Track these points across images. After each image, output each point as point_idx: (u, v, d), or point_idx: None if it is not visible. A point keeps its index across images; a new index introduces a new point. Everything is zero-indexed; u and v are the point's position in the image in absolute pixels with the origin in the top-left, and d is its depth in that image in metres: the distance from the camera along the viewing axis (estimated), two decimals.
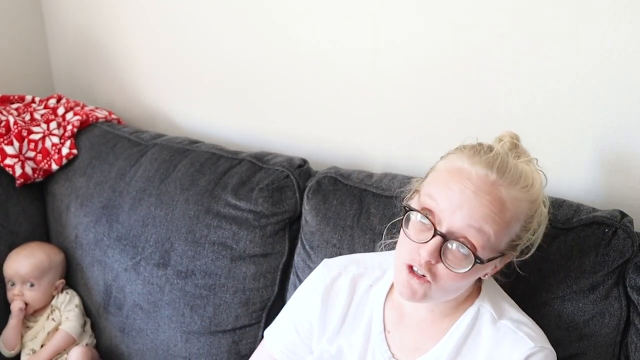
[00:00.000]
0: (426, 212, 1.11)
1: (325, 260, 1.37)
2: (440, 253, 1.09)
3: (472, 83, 1.55)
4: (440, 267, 1.11)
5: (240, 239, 1.65)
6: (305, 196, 1.63)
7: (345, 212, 1.54)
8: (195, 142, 1.92)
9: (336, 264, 1.35)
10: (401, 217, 1.15)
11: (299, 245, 1.64)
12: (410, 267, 1.13)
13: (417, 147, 1.68)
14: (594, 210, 1.35)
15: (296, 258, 1.65)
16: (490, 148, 1.14)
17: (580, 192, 1.47)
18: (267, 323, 1.62)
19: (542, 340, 1.18)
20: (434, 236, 1.09)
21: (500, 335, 1.18)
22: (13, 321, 1.88)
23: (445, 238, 1.09)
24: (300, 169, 1.69)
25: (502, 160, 1.12)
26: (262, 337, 1.62)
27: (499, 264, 1.18)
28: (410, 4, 1.59)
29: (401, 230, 1.15)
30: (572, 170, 1.47)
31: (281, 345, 1.38)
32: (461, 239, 1.09)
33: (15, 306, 1.88)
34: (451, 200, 1.09)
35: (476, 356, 1.18)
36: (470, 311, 1.21)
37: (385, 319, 1.27)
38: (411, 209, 1.14)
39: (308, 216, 1.61)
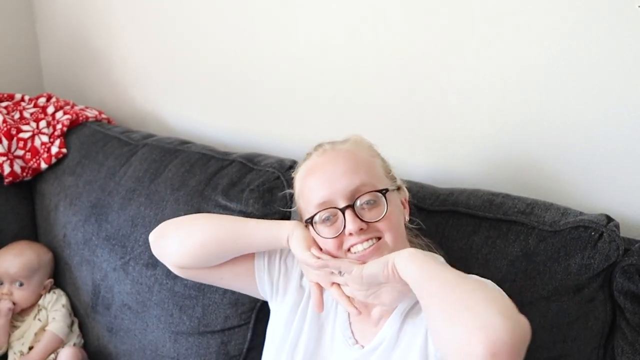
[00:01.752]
0: (321, 208, 1.21)
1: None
2: (360, 217, 1.18)
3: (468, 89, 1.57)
4: (373, 226, 1.19)
5: None
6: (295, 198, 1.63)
7: None
8: (186, 142, 1.92)
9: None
10: (313, 231, 1.23)
11: None
12: (354, 250, 1.20)
13: (412, 150, 1.69)
14: (581, 213, 1.37)
15: None
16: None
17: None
18: (257, 324, 1.64)
19: None
20: (343, 213, 1.19)
21: None
22: (1, 321, 1.88)
23: (350, 205, 1.19)
24: (291, 170, 1.69)
25: (324, 142, 1.30)
26: (251, 337, 1.64)
27: (403, 200, 1.29)
28: (398, 8, 1.60)
29: (322, 242, 1.23)
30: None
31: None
32: (358, 194, 1.20)
33: (4, 306, 1.88)
34: (324, 183, 1.22)
35: (417, 323, 1.21)
36: None
37: (347, 313, 1.31)
38: (310, 218, 1.23)
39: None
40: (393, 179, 1.30)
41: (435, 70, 1.59)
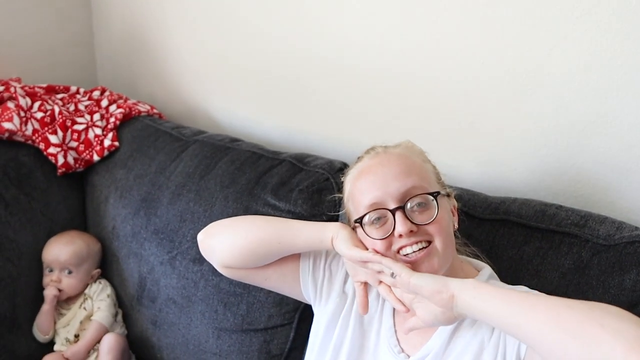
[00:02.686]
0: (372, 209, 1.21)
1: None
2: (409, 220, 1.17)
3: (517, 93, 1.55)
4: (423, 229, 1.18)
5: None
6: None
7: None
8: (236, 140, 1.93)
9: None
10: (365, 233, 1.22)
11: None
12: (404, 253, 1.18)
13: (464, 157, 1.67)
14: (636, 228, 1.33)
15: None
16: None
17: None
18: (300, 324, 1.63)
19: None
20: (393, 215, 1.18)
21: None
22: (46, 307, 1.92)
23: (401, 207, 1.18)
24: (341, 172, 1.68)
25: (379, 145, 1.31)
26: (294, 337, 1.64)
27: (452, 208, 1.29)
28: (458, 9, 1.59)
29: (371, 243, 1.21)
30: None
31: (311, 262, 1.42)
32: (409, 196, 1.19)
33: (50, 292, 1.92)
34: (376, 184, 1.21)
35: (467, 336, 1.19)
36: None
37: (395, 325, 1.30)
38: (360, 218, 1.22)
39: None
40: (443, 185, 1.29)
41: (489, 77, 1.57)
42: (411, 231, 1.17)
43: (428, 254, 1.18)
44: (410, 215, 1.18)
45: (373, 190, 1.22)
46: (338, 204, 1.65)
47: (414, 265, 1.17)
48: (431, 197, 1.20)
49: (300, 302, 1.65)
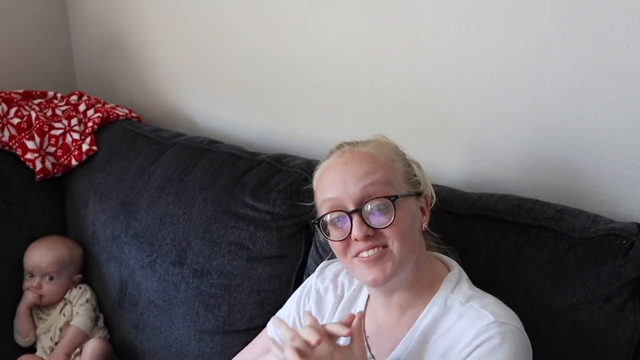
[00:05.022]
0: (331, 210, 1.21)
1: (322, 265, 1.46)
2: (367, 223, 1.17)
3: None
4: (380, 233, 1.17)
5: (257, 240, 1.66)
6: None
7: None
8: (215, 142, 1.93)
9: (329, 271, 1.43)
10: (321, 232, 1.24)
11: (313, 248, 1.65)
12: (360, 256, 1.19)
13: (444, 153, 1.68)
14: (611, 221, 1.35)
15: (309, 261, 1.65)
16: None
17: None
18: None
19: (507, 317, 1.16)
20: (350, 218, 1.18)
21: (464, 313, 1.18)
22: (22, 308, 1.92)
23: (357, 210, 1.17)
24: None
25: (346, 142, 1.30)
26: None
27: (423, 206, 1.27)
28: (430, 10, 1.60)
29: (330, 243, 1.24)
30: None
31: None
32: (367, 199, 1.18)
33: (29, 297, 1.91)
34: (335, 184, 1.21)
35: (443, 338, 1.19)
36: (437, 300, 1.22)
37: (365, 326, 1.29)
38: (319, 218, 1.24)
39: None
40: (416, 184, 1.27)
41: (469, 74, 1.58)
42: (367, 235, 1.17)
43: (380, 256, 1.18)
44: (368, 218, 1.18)
45: (333, 190, 1.21)
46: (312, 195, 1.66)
47: (367, 266, 1.18)
48: (389, 200, 1.18)
49: (281, 302, 1.65)
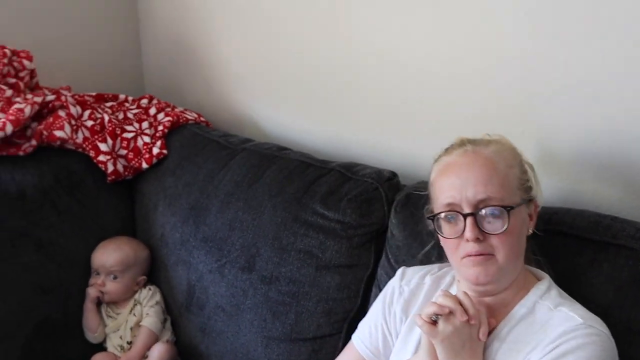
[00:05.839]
0: (448, 209, 1.25)
1: (402, 269, 1.48)
2: (479, 228, 1.22)
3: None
4: (490, 239, 1.22)
5: (326, 249, 1.66)
6: (393, 209, 1.63)
7: None
8: (284, 149, 1.94)
9: (413, 273, 1.45)
10: (434, 228, 1.30)
11: (384, 258, 1.64)
12: (470, 256, 1.23)
13: None
14: None
15: (380, 271, 1.65)
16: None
17: None
18: (348, 334, 1.62)
19: (595, 321, 1.20)
20: (465, 219, 1.22)
21: (552, 317, 1.23)
22: (87, 305, 1.97)
23: (473, 213, 1.22)
24: (390, 181, 1.69)
25: (468, 138, 1.33)
26: (342, 347, 1.63)
27: (531, 212, 1.30)
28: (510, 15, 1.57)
29: (441, 240, 1.30)
30: None
31: (367, 342, 1.45)
32: (483, 205, 1.22)
33: (91, 292, 1.97)
34: (456, 186, 1.25)
35: (528, 338, 1.22)
36: (525, 303, 1.27)
37: None
38: (434, 214, 1.29)
39: (395, 230, 1.60)
40: (528, 190, 1.29)
41: (547, 85, 1.54)
42: (477, 238, 1.22)
43: (486, 259, 1.22)
44: (481, 222, 1.22)
45: (452, 192, 1.25)
46: (388, 212, 1.65)
47: (472, 264, 1.23)
48: (505, 210, 1.22)
49: (349, 312, 1.67)
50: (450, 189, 1.26)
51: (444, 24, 1.70)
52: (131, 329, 1.96)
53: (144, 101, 2.33)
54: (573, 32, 1.48)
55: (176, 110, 2.27)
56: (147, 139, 2.13)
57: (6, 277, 1.86)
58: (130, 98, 2.34)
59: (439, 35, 1.71)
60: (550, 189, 1.59)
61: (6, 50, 2.04)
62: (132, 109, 2.26)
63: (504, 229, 1.21)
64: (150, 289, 2.01)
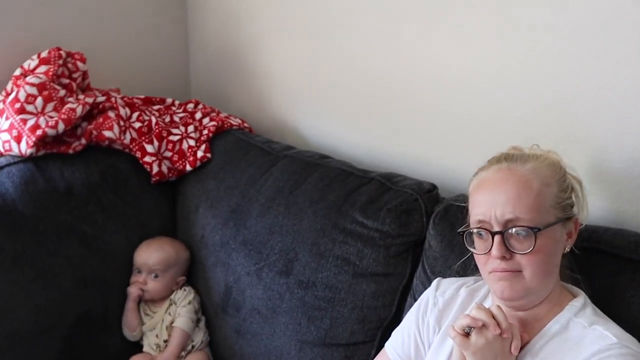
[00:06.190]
0: (478, 225, 1.27)
1: (437, 280, 1.49)
2: (507, 246, 1.22)
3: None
4: (518, 258, 1.22)
5: (364, 256, 1.68)
6: (431, 221, 1.64)
7: None
8: (326, 157, 1.97)
9: (448, 285, 1.46)
10: (464, 241, 1.31)
11: (420, 268, 1.65)
12: (496, 272, 1.25)
13: None
14: None
15: (415, 281, 1.66)
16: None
17: None
18: (381, 342, 1.63)
19: (631, 341, 1.19)
20: (492, 237, 1.24)
21: (586, 335, 1.22)
22: (129, 304, 2.01)
23: (501, 232, 1.23)
24: (429, 193, 1.70)
25: (507, 154, 1.33)
26: (375, 355, 1.64)
27: (571, 230, 1.29)
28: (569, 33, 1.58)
29: (474, 255, 1.31)
30: None
31: (399, 350, 1.46)
32: (512, 225, 1.22)
33: (133, 291, 2.01)
34: (487, 203, 1.26)
35: (561, 355, 1.22)
36: (560, 320, 1.26)
37: None
38: (465, 230, 1.31)
39: (432, 241, 1.62)
40: (566, 208, 1.29)
41: (591, 103, 1.54)
42: (504, 257, 1.23)
43: (512, 276, 1.23)
44: (508, 241, 1.23)
45: (483, 208, 1.27)
46: (425, 225, 1.66)
47: (499, 279, 1.25)
48: (532, 231, 1.21)
49: (383, 320, 1.67)
50: (482, 205, 1.28)
51: (490, 40, 1.71)
52: (166, 328, 2.00)
53: (190, 105, 2.37)
54: (625, 47, 1.48)
55: (221, 115, 2.31)
56: (192, 142, 2.18)
57: (52, 270, 1.92)
58: (177, 102, 2.39)
59: (486, 51, 1.72)
60: (594, 206, 1.59)
61: (61, 52, 2.10)
62: (178, 113, 2.31)
63: (530, 250, 1.21)
64: (185, 290, 2.05)
